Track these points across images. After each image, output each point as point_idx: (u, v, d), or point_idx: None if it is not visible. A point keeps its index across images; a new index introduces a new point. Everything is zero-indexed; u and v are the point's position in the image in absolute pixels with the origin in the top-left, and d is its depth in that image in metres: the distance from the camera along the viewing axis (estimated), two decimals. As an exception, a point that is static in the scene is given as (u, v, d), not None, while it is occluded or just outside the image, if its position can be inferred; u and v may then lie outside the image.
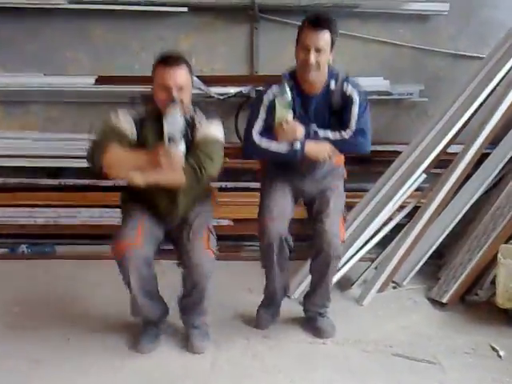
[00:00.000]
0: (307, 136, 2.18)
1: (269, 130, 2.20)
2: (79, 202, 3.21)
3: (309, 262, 2.41)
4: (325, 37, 2.11)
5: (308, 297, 2.44)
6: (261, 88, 2.36)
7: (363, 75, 2.91)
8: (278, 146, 2.19)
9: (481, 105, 2.86)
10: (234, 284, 2.80)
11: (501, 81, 2.84)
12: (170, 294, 2.33)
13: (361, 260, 2.89)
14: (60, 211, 3.21)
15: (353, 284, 2.85)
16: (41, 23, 3.21)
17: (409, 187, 2.87)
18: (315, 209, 2.32)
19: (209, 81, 3.13)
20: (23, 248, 3.23)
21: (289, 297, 2.60)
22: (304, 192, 2.39)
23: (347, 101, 2.21)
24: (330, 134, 2.21)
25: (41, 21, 3.21)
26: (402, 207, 2.95)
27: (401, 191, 2.87)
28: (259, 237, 2.26)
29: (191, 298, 2.22)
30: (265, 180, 2.42)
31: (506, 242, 2.61)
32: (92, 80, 3.18)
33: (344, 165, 2.47)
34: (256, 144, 2.22)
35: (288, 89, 2.10)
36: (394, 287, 2.85)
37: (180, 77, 2.04)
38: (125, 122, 2.09)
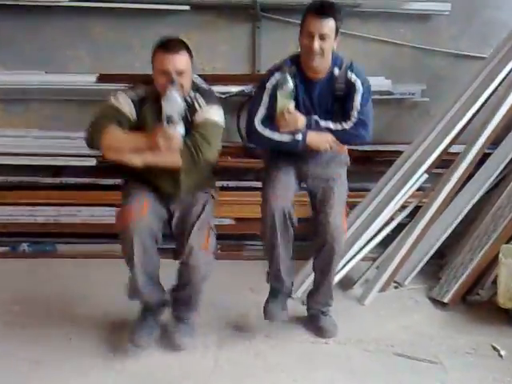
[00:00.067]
0: (309, 126, 2.17)
1: (271, 118, 2.18)
2: (80, 201, 3.20)
3: (311, 261, 2.41)
4: (329, 24, 2.09)
5: (311, 295, 2.44)
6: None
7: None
8: (280, 136, 2.18)
9: (482, 105, 2.86)
10: (235, 283, 2.80)
11: (502, 81, 2.84)
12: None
13: (362, 260, 2.89)
14: (61, 210, 3.19)
15: (354, 284, 2.85)
16: (41, 21, 3.20)
17: (410, 187, 2.87)
18: (318, 198, 2.30)
19: (210, 80, 3.05)
20: (24, 246, 3.21)
21: (291, 296, 2.60)
22: (308, 175, 2.34)
23: (350, 87, 2.20)
24: (331, 125, 2.21)
25: (41, 19, 3.19)
26: (403, 207, 2.95)
27: (402, 191, 2.86)
28: (262, 211, 2.21)
29: (184, 292, 2.19)
30: (269, 164, 2.38)
31: (508, 241, 2.62)
32: (93, 78, 3.17)
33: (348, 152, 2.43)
34: (259, 133, 2.21)
35: (290, 78, 2.08)
36: (396, 287, 2.84)
37: (180, 62, 2.01)
38: (124, 103, 2.07)
